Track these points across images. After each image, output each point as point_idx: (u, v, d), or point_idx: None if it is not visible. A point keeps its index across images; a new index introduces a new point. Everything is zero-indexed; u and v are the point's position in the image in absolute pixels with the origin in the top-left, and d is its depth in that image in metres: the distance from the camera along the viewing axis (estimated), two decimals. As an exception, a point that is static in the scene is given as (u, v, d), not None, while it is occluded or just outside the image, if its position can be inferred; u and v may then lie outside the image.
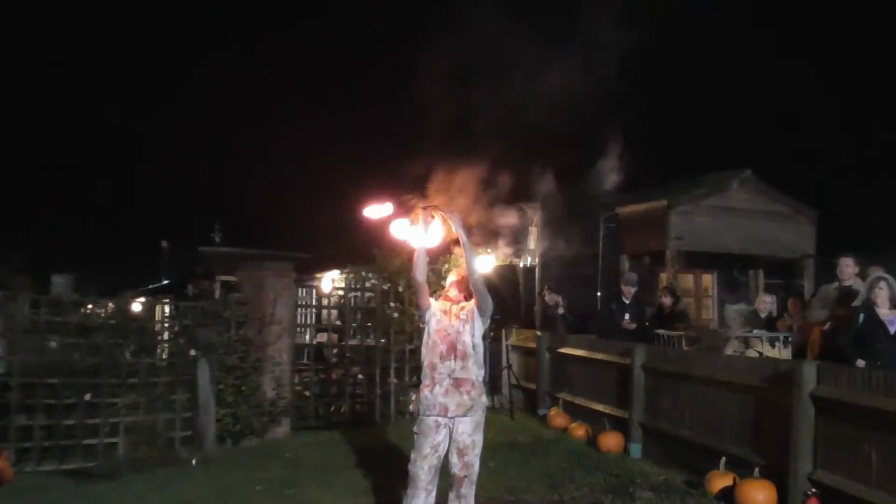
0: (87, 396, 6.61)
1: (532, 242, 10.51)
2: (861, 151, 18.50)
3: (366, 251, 8.96)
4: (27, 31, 34.66)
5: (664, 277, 10.98)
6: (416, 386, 4.78)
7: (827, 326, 6.48)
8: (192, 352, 7.04)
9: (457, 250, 7.60)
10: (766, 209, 11.47)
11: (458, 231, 4.28)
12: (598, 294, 11.43)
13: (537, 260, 11.06)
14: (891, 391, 4.43)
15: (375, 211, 4.40)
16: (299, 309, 9.04)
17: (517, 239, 10.85)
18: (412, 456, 4.23)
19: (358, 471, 6.27)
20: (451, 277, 4.53)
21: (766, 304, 8.15)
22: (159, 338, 7.56)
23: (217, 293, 8.30)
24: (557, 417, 8.22)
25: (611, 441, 7.00)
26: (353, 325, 8.79)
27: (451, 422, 4.18)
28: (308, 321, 10.22)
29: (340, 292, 9.20)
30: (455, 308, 4.36)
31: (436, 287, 7.27)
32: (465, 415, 4.19)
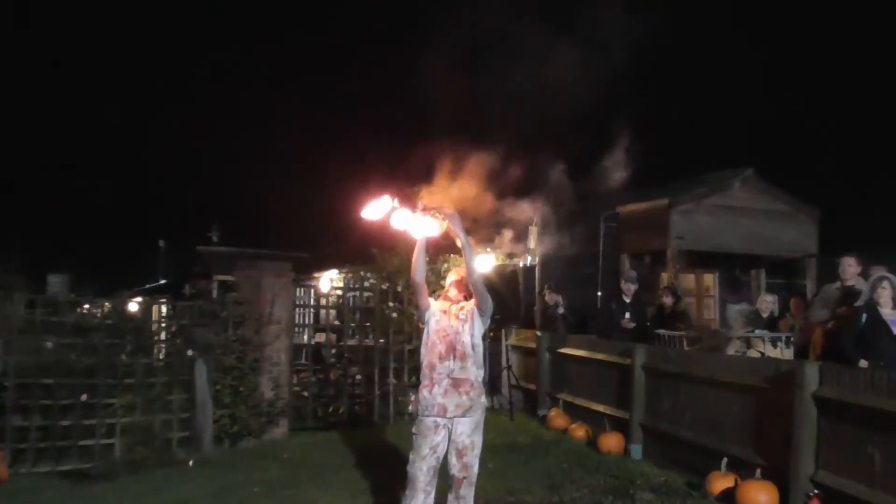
0: (84, 397, 6.59)
1: (532, 241, 10.46)
2: (864, 150, 18.47)
3: (364, 250, 8.93)
4: (26, 30, 34.68)
5: (665, 277, 10.93)
6: (415, 386, 4.76)
7: (830, 324, 6.45)
8: (189, 352, 7.02)
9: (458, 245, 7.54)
10: (768, 208, 11.43)
11: (457, 231, 4.23)
12: (599, 294, 11.39)
13: (537, 259, 11.01)
14: (894, 392, 4.39)
15: (373, 211, 4.35)
16: (297, 309, 9.02)
17: (518, 238, 10.80)
18: (411, 457, 4.20)
19: (356, 472, 6.24)
20: (451, 277, 4.50)
21: (767, 303, 8.13)
22: (156, 338, 7.55)
23: (214, 293, 8.26)
24: (557, 418, 8.19)
25: (611, 442, 6.96)
26: (352, 324, 8.77)
27: (449, 422, 4.15)
28: (306, 321, 10.21)
29: (339, 292, 9.18)
30: (454, 308, 4.33)
31: (435, 287, 7.24)
32: (463, 415, 4.16)
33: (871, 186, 16.16)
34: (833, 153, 17.93)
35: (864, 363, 5.40)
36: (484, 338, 4.44)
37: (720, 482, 5.39)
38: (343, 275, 10.27)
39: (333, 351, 9.06)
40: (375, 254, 8.76)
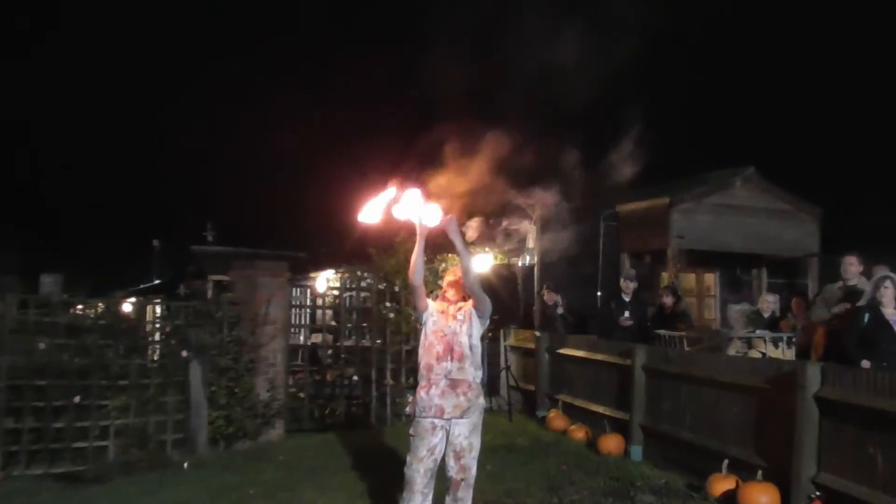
0: (77, 399, 6.54)
1: (531, 241, 10.40)
2: (866, 148, 18.43)
3: (361, 250, 8.88)
4: (23, 29, 34.65)
5: (665, 276, 10.89)
6: (413, 387, 4.73)
7: (829, 323, 6.41)
8: (184, 353, 6.99)
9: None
10: (770, 207, 11.37)
11: (453, 237, 4.21)
12: (599, 293, 11.33)
13: (536, 259, 10.94)
14: (897, 392, 4.35)
15: (371, 213, 4.30)
16: (293, 309, 9.03)
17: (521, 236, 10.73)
18: (408, 458, 4.20)
19: (353, 474, 6.21)
20: (449, 277, 4.47)
21: (769, 303, 8.08)
22: (150, 339, 7.51)
23: (209, 293, 8.24)
24: (557, 419, 8.15)
25: (611, 443, 6.93)
26: (349, 325, 8.75)
27: (447, 424, 4.15)
28: (302, 322, 10.18)
29: (335, 292, 9.14)
30: (452, 308, 4.32)
31: (433, 287, 7.19)
32: (461, 416, 4.15)
33: (874, 185, 16.09)
34: (835, 151, 17.88)
35: (866, 364, 5.38)
36: (482, 338, 4.43)
37: (721, 484, 5.37)
38: (340, 275, 10.22)
39: (330, 352, 9.04)
40: (372, 253, 8.72)
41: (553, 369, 9.01)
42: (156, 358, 7.32)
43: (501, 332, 10.07)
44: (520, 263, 11.38)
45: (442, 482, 4.23)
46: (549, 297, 9.97)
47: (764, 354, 7.09)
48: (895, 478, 4.29)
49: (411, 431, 4.24)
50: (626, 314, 8.53)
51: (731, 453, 5.53)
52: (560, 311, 9.88)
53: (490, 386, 9.13)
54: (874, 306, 5.65)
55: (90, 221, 29.60)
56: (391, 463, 5.92)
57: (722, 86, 18.21)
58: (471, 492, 4.23)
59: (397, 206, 4.26)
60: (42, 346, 6.66)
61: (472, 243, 9.65)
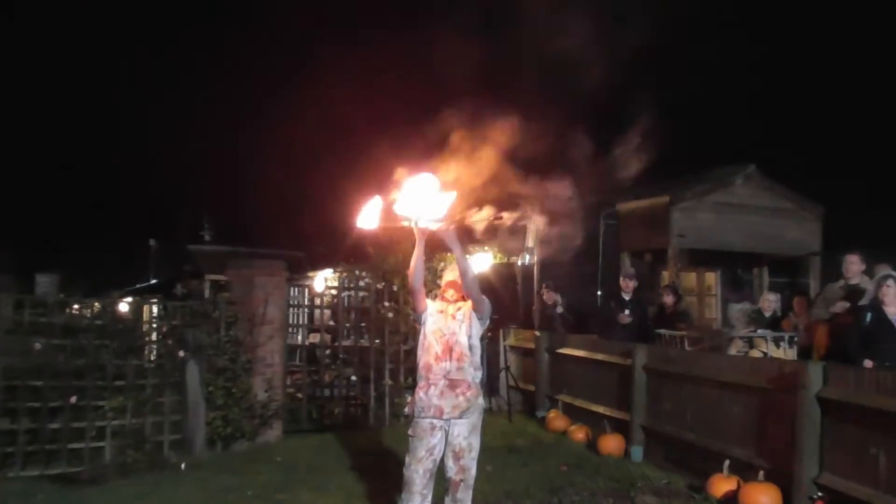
0: (73, 399, 6.50)
1: (530, 240, 10.35)
2: (869, 145, 18.38)
3: (360, 249, 8.85)
4: (12, 23, 34.61)
5: (666, 276, 10.85)
6: (412, 388, 4.71)
7: (831, 314, 6.38)
8: (181, 353, 6.94)
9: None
10: (771, 205, 11.34)
11: (452, 246, 4.17)
12: (599, 293, 11.29)
13: (535, 258, 10.90)
14: (900, 392, 4.34)
15: (368, 218, 4.24)
16: (291, 309, 9.00)
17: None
18: (407, 459, 4.18)
19: (351, 475, 6.20)
20: (448, 277, 4.43)
21: (770, 302, 8.05)
22: (147, 339, 7.47)
23: (206, 293, 8.19)
24: (557, 420, 8.14)
25: (611, 444, 6.92)
26: (347, 325, 8.73)
27: (446, 424, 4.13)
28: (300, 321, 10.15)
29: (333, 291, 9.10)
30: (451, 308, 4.29)
31: (432, 286, 7.14)
32: (460, 417, 4.13)
33: (876, 183, 16.04)
34: (837, 149, 17.83)
35: (868, 363, 5.37)
36: (482, 338, 4.40)
37: (722, 485, 5.36)
38: (338, 274, 10.16)
39: (328, 352, 8.99)
40: (371, 252, 8.68)
41: (553, 369, 8.99)
42: (152, 358, 7.28)
43: (501, 331, 10.03)
44: (519, 263, 11.33)
45: (441, 483, 4.21)
46: (549, 296, 9.95)
47: (765, 354, 7.06)
48: (898, 478, 4.28)
49: (410, 432, 4.22)
50: (627, 312, 8.50)
51: (732, 454, 5.53)
52: (560, 310, 9.86)
53: (489, 386, 9.09)
54: (876, 305, 5.65)
55: (86, 220, 29.58)
56: (390, 464, 5.91)
57: (722, 82, 18.16)
58: (470, 493, 4.21)
59: (397, 203, 4.21)
60: (38, 346, 6.58)
61: (479, 240, 9.59)
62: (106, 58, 39.28)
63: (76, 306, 7.51)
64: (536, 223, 9.43)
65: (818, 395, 4.82)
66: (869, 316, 5.64)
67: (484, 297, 4.26)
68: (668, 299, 8.80)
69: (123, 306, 7.83)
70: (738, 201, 11.15)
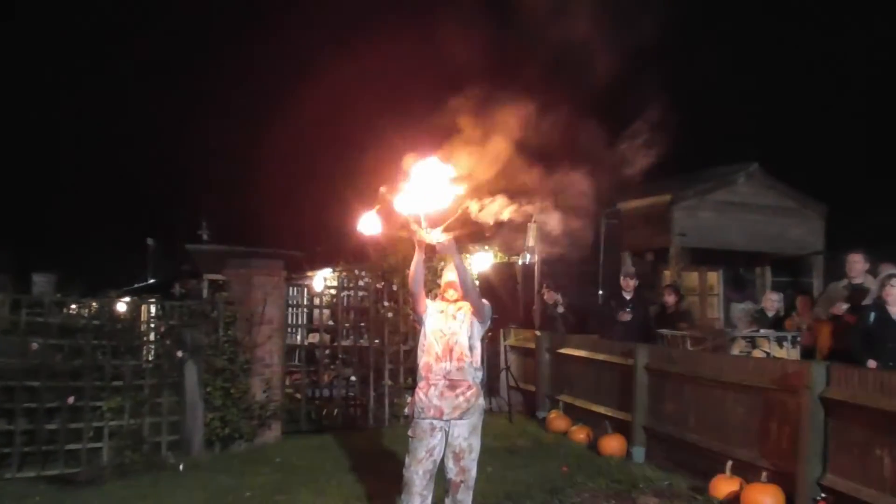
0: (70, 400, 6.47)
1: (531, 239, 10.29)
2: (872, 144, 18.32)
3: (359, 248, 8.82)
4: (10, 21, 34.63)
5: (668, 275, 10.82)
6: (411, 388, 4.68)
7: (831, 314, 6.33)
8: (179, 353, 6.92)
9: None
10: (774, 204, 11.31)
11: (451, 256, 4.17)
12: (600, 292, 11.26)
13: (536, 257, 10.85)
14: (904, 393, 4.32)
15: (369, 224, 4.21)
16: (290, 309, 8.98)
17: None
18: (407, 460, 4.18)
19: (351, 476, 6.18)
20: (447, 276, 4.40)
21: (773, 302, 8.01)
22: (145, 339, 7.44)
23: (204, 292, 8.16)
24: (557, 420, 8.10)
25: (613, 445, 6.89)
26: (346, 325, 8.70)
27: (446, 425, 4.12)
28: (299, 321, 10.14)
29: (333, 291, 9.06)
30: (452, 308, 4.28)
31: (432, 286, 7.09)
32: (460, 417, 4.12)
33: (880, 181, 15.97)
34: (840, 147, 17.77)
35: (872, 363, 5.37)
36: (482, 339, 4.38)
37: (725, 486, 5.35)
38: (337, 273, 10.13)
39: (327, 352, 8.96)
40: (370, 252, 8.65)
41: (554, 369, 8.96)
42: (150, 358, 7.25)
43: (501, 332, 10.00)
44: (520, 262, 11.29)
45: (441, 484, 4.20)
46: (550, 296, 9.91)
47: (768, 354, 7.03)
48: (903, 479, 4.25)
49: (410, 433, 4.21)
50: (627, 310, 8.47)
51: (734, 454, 5.51)
52: (560, 310, 9.82)
53: (490, 386, 9.07)
54: (880, 305, 5.64)
55: (83, 220, 29.49)
56: (390, 465, 5.88)
57: (724, 80, 18.10)
58: (470, 494, 4.20)
59: (400, 200, 4.16)
60: (35, 346, 6.56)
61: (483, 237, 9.55)
62: (105, 58, 39.32)
63: (73, 306, 7.45)
64: (545, 219, 9.37)
65: (821, 395, 4.79)
66: (872, 316, 5.64)
67: (484, 301, 4.26)
68: (670, 299, 8.79)
69: (121, 306, 7.79)
70: (741, 200, 11.13)
